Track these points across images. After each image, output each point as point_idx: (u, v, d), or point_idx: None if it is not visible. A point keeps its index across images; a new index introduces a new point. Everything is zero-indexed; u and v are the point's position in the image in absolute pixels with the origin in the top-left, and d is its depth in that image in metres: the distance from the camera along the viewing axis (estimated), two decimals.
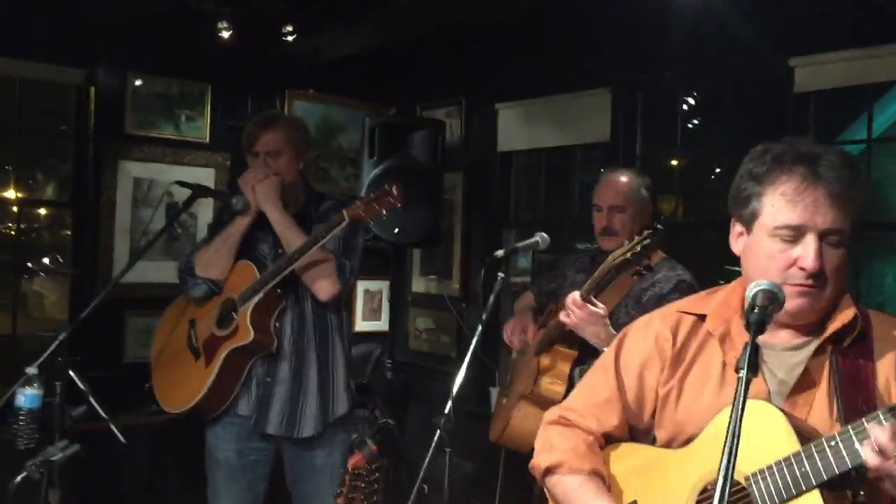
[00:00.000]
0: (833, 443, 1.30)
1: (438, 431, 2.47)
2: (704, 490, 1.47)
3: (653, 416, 1.68)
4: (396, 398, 4.92)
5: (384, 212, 2.74)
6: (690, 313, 1.68)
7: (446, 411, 2.48)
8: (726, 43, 3.60)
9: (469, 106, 4.88)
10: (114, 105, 4.39)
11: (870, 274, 4.77)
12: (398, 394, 4.99)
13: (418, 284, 5.20)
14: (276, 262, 2.83)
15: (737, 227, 1.59)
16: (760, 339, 1.51)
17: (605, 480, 1.65)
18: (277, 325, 2.89)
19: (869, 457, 1.26)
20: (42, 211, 4.90)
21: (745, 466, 1.38)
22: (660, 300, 2.67)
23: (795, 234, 1.48)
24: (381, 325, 5.17)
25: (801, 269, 1.46)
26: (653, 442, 1.68)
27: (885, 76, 3.40)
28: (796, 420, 1.40)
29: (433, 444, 2.46)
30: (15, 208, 4.44)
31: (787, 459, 1.34)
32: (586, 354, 2.73)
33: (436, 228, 4.52)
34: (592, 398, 1.75)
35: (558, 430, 1.76)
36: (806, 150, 1.50)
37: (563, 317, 2.65)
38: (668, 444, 1.63)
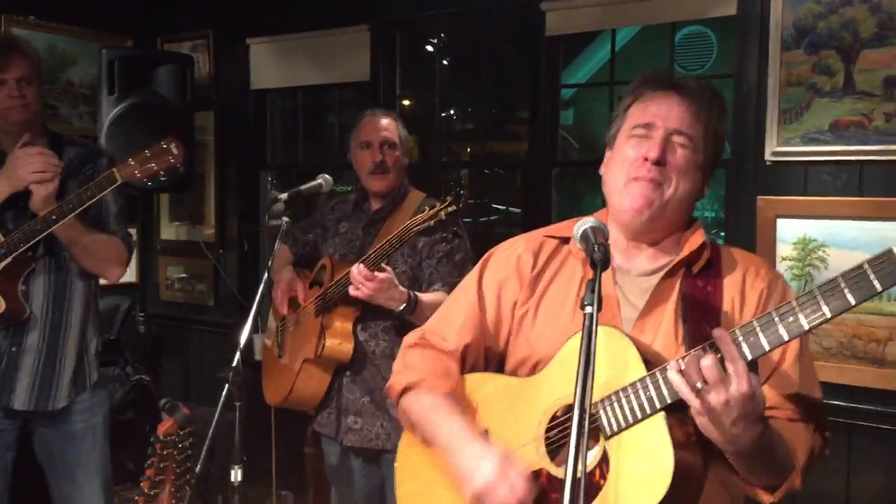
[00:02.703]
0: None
1: (227, 385, 2.34)
2: (554, 417, 1.50)
3: (509, 338, 1.68)
4: (150, 352, 4.62)
5: (162, 171, 2.51)
6: (555, 237, 1.70)
7: (234, 363, 2.36)
8: None
9: (218, 40, 4.57)
10: None
11: (583, 208, 5.28)
12: (151, 348, 4.68)
13: (168, 231, 4.88)
14: (28, 224, 2.49)
15: (606, 156, 1.65)
16: (616, 263, 1.59)
17: (460, 404, 1.64)
18: (23, 288, 2.59)
19: (676, 381, 1.31)
20: None
21: (594, 392, 1.39)
22: (433, 245, 2.71)
23: (647, 132, 1.55)
24: (128, 275, 4.77)
25: (645, 158, 1.53)
26: (505, 364, 1.69)
27: (625, 22, 3.69)
28: (642, 345, 1.44)
29: (222, 399, 2.33)
30: None
31: (633, 385, 1.39)
32: (368, 311, 2.69)
33: (186, 171, 4.23)
34: (450, 317, 1.75)
35: (417, 351, 1.75)
36: (673, 74, 1.62)
37: (352, 291, 2.56)
38: (519, 366, 1.64)
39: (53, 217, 2.46)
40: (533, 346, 1.62)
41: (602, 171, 1.66)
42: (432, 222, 2.43)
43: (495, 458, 1.47)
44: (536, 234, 1.75)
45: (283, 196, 2.59)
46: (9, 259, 2.50)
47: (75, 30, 4.55)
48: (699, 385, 1.27)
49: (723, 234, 3.58)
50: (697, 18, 3.42)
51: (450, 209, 2.40)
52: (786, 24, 2.95)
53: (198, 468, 2.29)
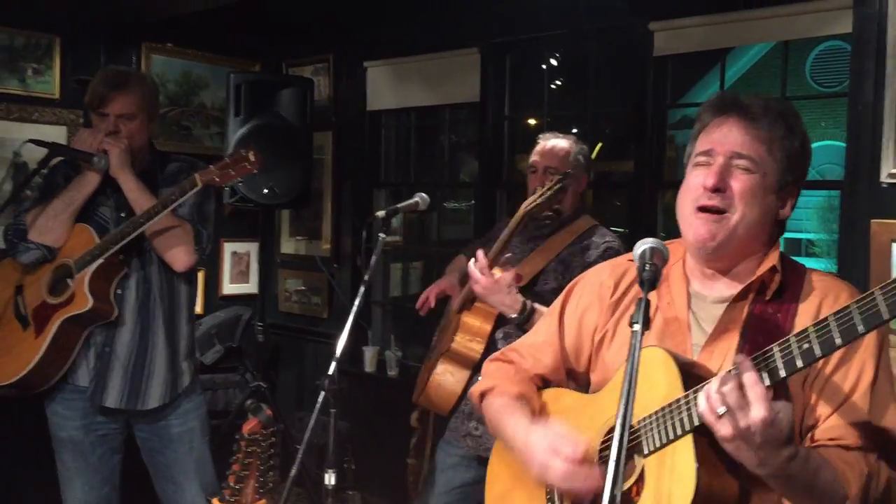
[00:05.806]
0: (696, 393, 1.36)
1: (322, 392, 2.45)
2: (609, 432, 1.54)
3: (590, 362, 1.75)
4: (267, 361, 4.86)
5: (239, 177, 2.66)
6: None
7: (330, 372, 2.47)
8: (591, 7, 3.70)
9: (337, 64, 4.79)
10: None
11: None
12: (269, 356, 4.92)
13: (287, 246, 5.12)
14: (119, 226, 2.66)
15: None
16: (694, 290, 1.60)
17: (531, 403, 1.74)
18: (119, 292, 2.74)
19: (701, 406, 1.31)
20: None
21: (640, 411, 1.44)
22: (586, 269, 2.65)
23: (707, 159, 1.54)
24: (250, 287, 5.05)
25: (704, 187, 1.51)
26: (588, 386, 1.76)
27: (733, 42, 3.63)
28: (701, 369, 1.44)
29: (317, 405, 2.45)
30: None
31: (668, 406, 1.40)
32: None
33: (305, 189, 4.44)
34: (532, 339, 1.87)
35: (497, 364, 1.89)
36: (739, 96, 1.58)
37: (472, 284, 2.59)
38: (598, 388, 1.69)
39: (141, 220, 2.61)
40: (607, 368, 1.67)
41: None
42: (540, 199, 2.52)
43: (548, 439, 1.57)
44: (622, 259, 1.79)
45: (381, 213, 2.66)
46: (101, 259, 2.63)
47: (208, 56, 4.87)
48: (721, 410, 1.26)
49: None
50: (809, 36, 3.31)
51: (556, 186, 2.51)
52: None
53: (293, 471, 2.42)
